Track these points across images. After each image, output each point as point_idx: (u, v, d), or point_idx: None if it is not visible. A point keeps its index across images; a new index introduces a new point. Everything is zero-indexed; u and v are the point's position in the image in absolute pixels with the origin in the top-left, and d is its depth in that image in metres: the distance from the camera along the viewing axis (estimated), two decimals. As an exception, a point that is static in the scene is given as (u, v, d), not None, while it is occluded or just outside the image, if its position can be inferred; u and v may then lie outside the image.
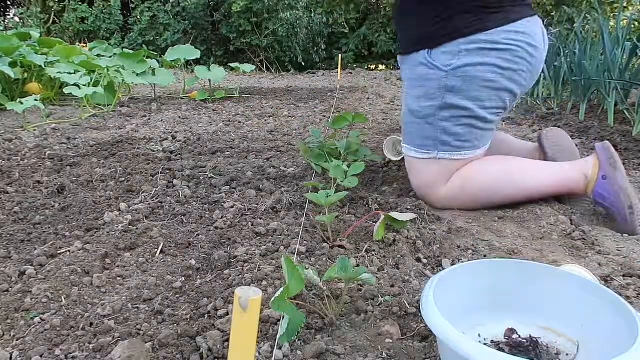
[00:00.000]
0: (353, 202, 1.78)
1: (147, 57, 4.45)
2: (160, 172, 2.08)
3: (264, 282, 1.20)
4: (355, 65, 8.13)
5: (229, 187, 1.95)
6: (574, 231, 1.62)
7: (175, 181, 1.99)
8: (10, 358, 0.97)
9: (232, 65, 5.26)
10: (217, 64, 5.56)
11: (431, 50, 1.59)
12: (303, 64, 7.76)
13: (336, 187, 1.72)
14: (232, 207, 1.74)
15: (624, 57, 3.27)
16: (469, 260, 1.39)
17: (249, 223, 1.60)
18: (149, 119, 3.52)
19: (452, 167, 1.68)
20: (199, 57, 4.78)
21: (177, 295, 1.20)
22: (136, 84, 4.62)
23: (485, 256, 1.43)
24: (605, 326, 0.88)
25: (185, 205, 1.75)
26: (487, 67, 1.53)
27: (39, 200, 1.80)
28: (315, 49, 7.91)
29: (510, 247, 1.51)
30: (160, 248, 1.44)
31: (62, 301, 1.14)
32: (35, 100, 2.99)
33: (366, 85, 5.71)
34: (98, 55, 4.67)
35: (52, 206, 1.75)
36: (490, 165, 1.69)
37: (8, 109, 3.03)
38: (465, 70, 1.54)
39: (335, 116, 2.10)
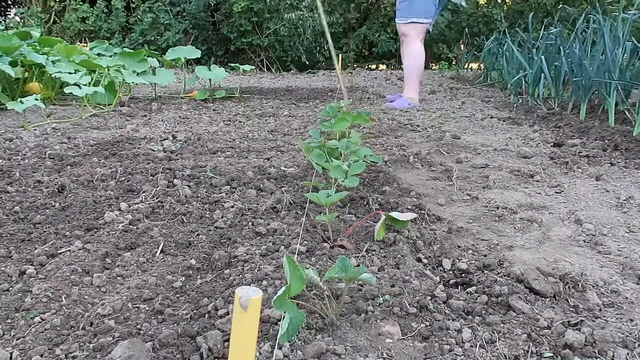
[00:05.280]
0: (353, 202, 1.78)
1: (148, 57, 4.44)
2: (161, 172, 2.08)
3: (264, 282, 1.20)
4: (355, 65, 8.13)
5: (229, 186, 1.95)
6: (576, 233, 1.62)
7: (175, 181, 1.99)
8: (11, 358, 0.97)
9: (232, 65, 5.27)
10: (217, 64, 5.55)
11: None
12: (307, 63, 7.75)
13: (336, 186, 1.72)
14: (232, 206, 1.74)
15: (625, 57, 3.26)
16: (469, 260, 1.39)
17: (249, 223, 1.60)
18: (150, 118, 3.52)
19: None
20: (199, 56, 4.78)
21: (177, 295, 1.20)
22: (137, 84, 4.61)
23: (485, 256, 1.43)
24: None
25: (186, 205, 1.75)
26: None
27: (39, 199, 1.80)
28: (318, 48, 7.91)
29: (510, 246, 1.51)
30: (160, 248, 1.44)
31: (62, 301, 1.14)
32: (36, 99, 2.99)
33: (366, 85, 5.71)
34: (99, 55, 4.67)
35: (53, 206, 1.75)
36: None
37: (8, 108, 3.03)
38: None
39: (337, 117, 2.10)
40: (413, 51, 4.07)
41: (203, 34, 7.91)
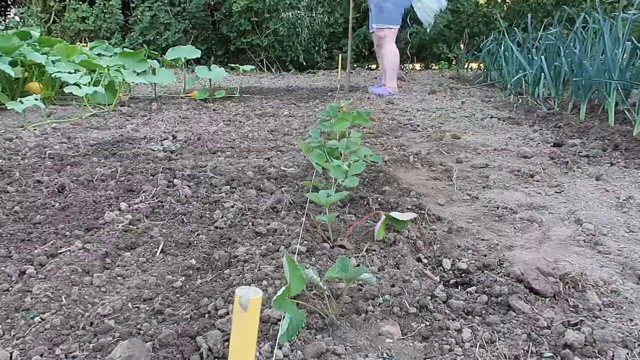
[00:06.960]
0: (353, 202, 1.78)
1: (148, 57, 4.44)
2: (161, 172, 2.08)
3: (264, 282, 1.20)
4: (355, 65, 8.13)
5: (229, 186, 1.95)
6: (576, 233, 1.62)
7: (175, 181, 1.99)
8: (11, 357, 0.97)
9: (232, 65, 5.27)
10: (217, 64, 5.55)
11: None
12: (305, 63, 7.74)
13: (336, 186, 1.72)
14: (232, 206, 1.74)
15: (625, 57, 3.26)
16: (469, 260, 1.39)
17: (250, 223, 1.60)
18: (150, 118, 3.52)
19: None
20: (199, 56, 4.78)
21: (178, 295, 1.20)
22: (136, 84, 4.62)
23: (485, 255, 1.43)
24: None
25: (186, 205, 1.75)
26: None
27: (39, 199, 1.80)
28: (317, 48, 7.90)
29: (510, 246, 1.51)
30: (160, 247, 1.44)
31: (62, 301, 1.14)
32: (36, 99, 2.99)
33: (366, 85, 5.70)
34: (99, 55, 4.66)
35: (53, 205, 1.75)
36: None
37: (8, 108, 3.03)
38: None
39: (338, 117, 2.10)
40: (389, 50, 4.95)
41: (203, 33, 7.91)
